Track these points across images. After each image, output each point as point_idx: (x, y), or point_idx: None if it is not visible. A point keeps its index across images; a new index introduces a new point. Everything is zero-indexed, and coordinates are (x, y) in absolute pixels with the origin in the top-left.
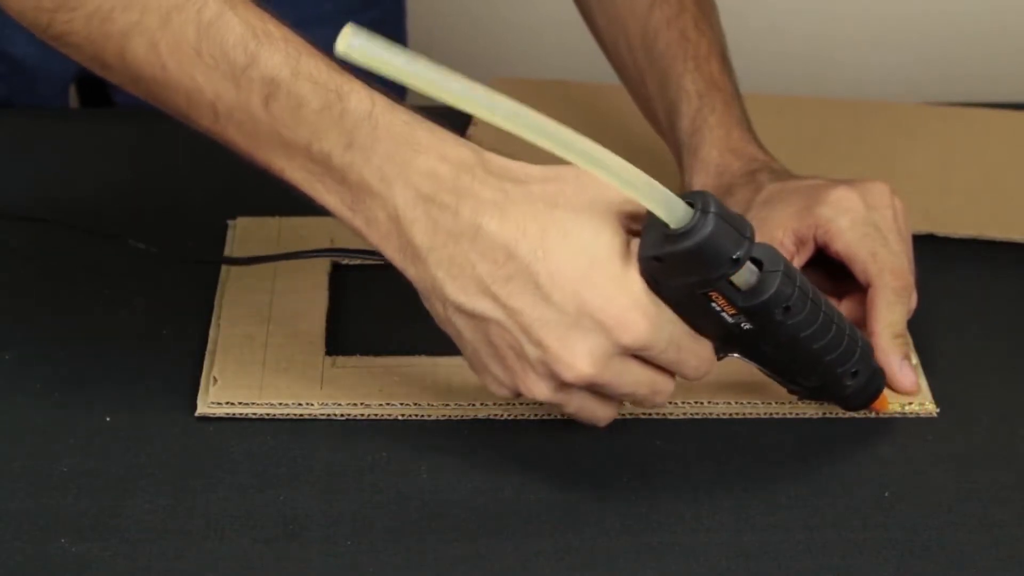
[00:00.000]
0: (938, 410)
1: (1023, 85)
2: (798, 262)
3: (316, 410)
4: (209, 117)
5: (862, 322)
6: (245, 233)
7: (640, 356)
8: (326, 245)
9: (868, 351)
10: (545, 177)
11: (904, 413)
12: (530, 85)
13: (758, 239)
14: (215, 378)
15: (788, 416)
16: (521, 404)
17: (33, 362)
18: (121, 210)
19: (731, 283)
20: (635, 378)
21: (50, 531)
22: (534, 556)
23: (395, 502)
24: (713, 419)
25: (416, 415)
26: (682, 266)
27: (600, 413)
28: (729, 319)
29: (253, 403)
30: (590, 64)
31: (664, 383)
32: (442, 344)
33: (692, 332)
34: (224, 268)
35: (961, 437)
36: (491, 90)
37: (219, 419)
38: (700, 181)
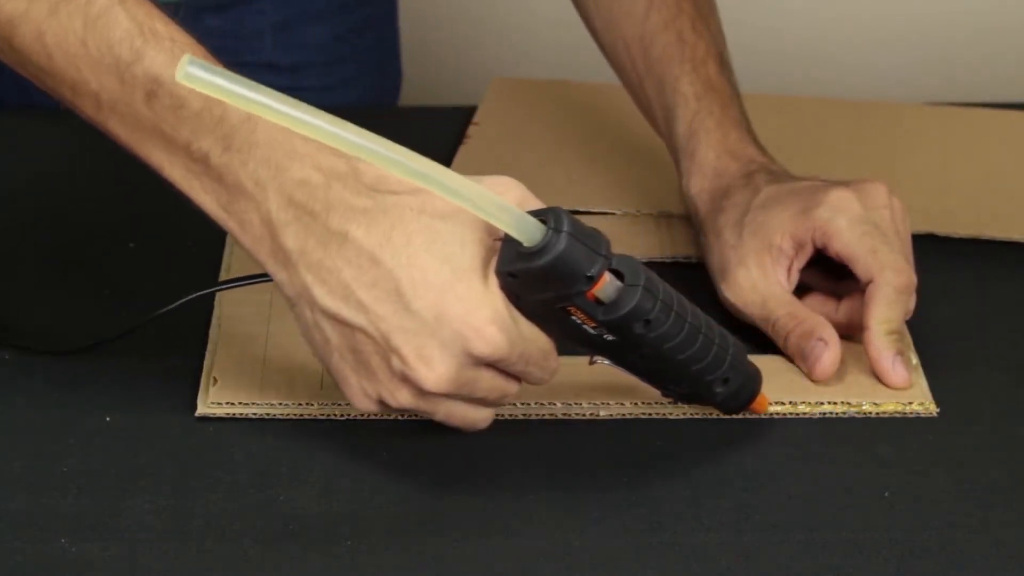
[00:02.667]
0: (938, 410)
1: (1023, 85)
2: (796, 265)
3: (316, 410)
4: (92, 107)
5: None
6: None
7: (492, 364)
8: None
9: (740, 358)
10: (416, 188)
11: (904, 413)
12: (530, 85)
13: (756, 242)
14: (215, 378)
15: (788, 416)
16: (522, 404)
17: (33, 362)
18: (121, 210)
19: (591, 297)
20: (487, 385)
21: (50, 531)
22: (534, 556)
23: (395, 502)
24: (713, 419)
25: (415, 415)
26: (537, 283)
27: (472, 416)
28: (591, 331)
29: (253, 403)
30: (590, 64)
31: (512, 387)
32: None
33: (542, 347)
34: (224, 268)
35: (961, 437)
36: (336, 118)
37: (219, 419)
38: (697, 184)
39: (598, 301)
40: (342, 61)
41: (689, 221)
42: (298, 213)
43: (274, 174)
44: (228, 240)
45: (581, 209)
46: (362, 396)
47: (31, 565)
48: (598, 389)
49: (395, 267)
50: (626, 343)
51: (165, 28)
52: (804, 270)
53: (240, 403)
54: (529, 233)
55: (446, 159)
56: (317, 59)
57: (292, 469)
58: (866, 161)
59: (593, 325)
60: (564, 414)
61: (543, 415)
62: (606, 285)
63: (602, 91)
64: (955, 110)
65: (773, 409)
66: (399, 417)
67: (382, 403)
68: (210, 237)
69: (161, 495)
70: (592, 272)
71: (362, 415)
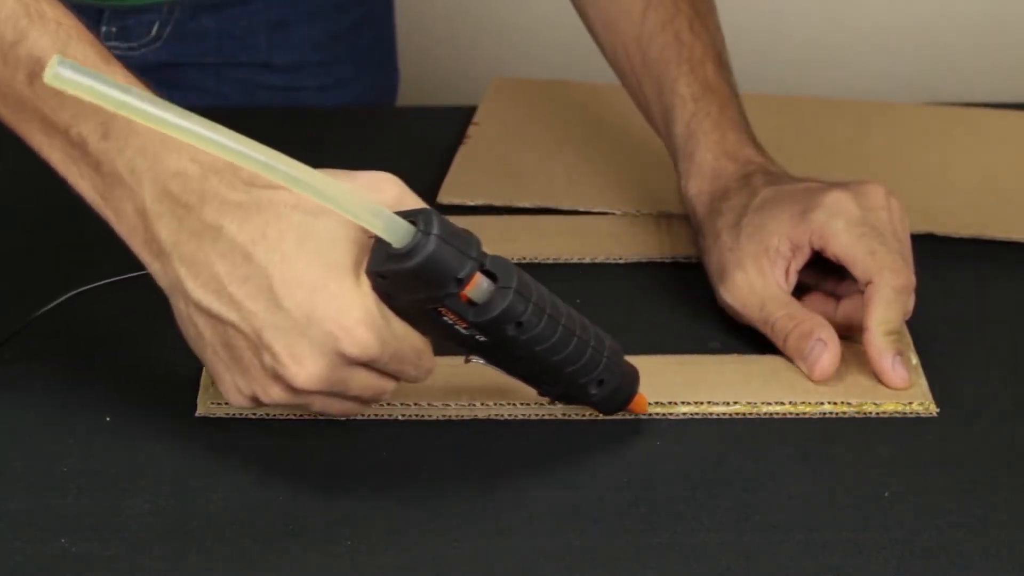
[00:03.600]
0: (938, 410)
1: (1023, 85)
2: (794, 267)
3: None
4: None
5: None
6: None
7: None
8: None
9: (616, 360)
10: None
11: (904, 413)
12: (530, 85)
13: (753, 244)
14: None
15: (788, 416)
16: (522, 404)
17: (33, 362)
18: None
19: (462, 299)
20: (360, 383)
21: (50, 531)
22: (534, 556)
23: (395, 502)
24: (713, 419)
25: (416, 415)
26: (407, 284)
27: (350, 409)
28: (463, 332)
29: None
30: (590, 64)
31: (386, 385)
32: (442, 344)
33: (416, 347)
34: None
35: (961, 437)
36: (205, 120)
37: (219, 419)
38: (696, 186)
39: (470, 302)
40: (339, 61)
41: (689, 221)
42: (172, 205)
43: (151, 164)
44: None
45: (581, 209)
46: (235, 392)
47: (31, 565)
48: None
49: (268, 264)
50: (499, 344)
51: (52, 10)
52: (803, 270)
53: None
54: (398, 235)
55: (446, 159)
56: (313, 58)
57: (292, 469)
58: (866, 161)
59: (465, 326)
60: (564, 414)
61: (543, 415)
62: (477, 287)
63: (602, 91)
64: (955, 110)
65: (773, 409)
66: (399, 417)
67: (255, 399)
68: None
69: (161, 495)
70: (462, 274)
71: (362, 415)
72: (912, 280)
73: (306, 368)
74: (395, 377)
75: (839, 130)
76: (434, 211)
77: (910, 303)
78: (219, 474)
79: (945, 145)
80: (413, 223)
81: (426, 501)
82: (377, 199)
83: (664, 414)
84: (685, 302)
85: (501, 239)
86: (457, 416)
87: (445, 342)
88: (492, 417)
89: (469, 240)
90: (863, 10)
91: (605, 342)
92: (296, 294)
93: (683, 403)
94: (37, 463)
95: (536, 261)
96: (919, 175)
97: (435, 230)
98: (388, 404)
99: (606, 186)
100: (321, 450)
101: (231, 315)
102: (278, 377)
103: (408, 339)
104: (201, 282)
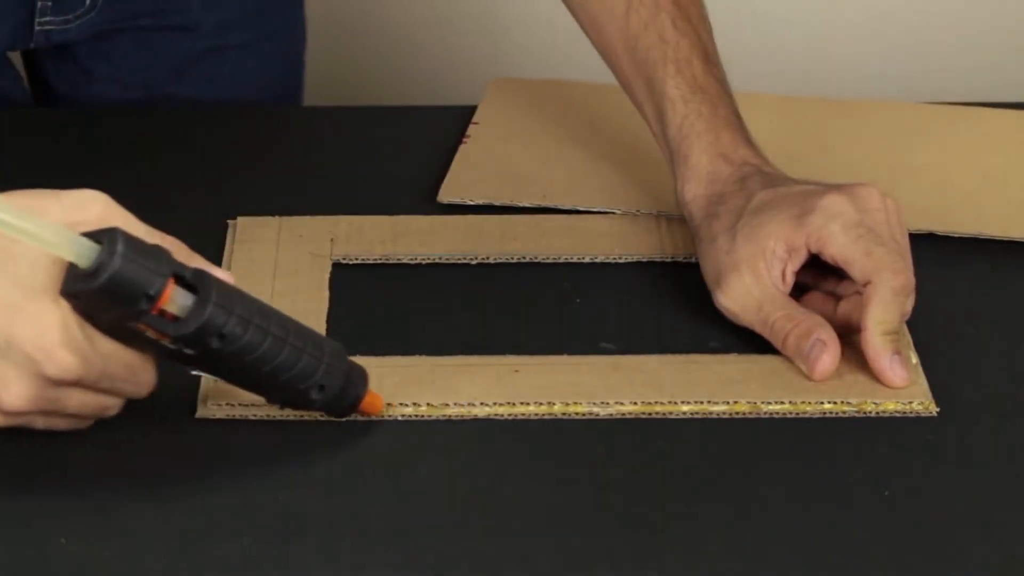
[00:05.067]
0: (938, 410)
1: (1023, 85)
2: (791, 268)
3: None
4: None
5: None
6: (245, 233)
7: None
8: (326, 244)
9: (336, 364)
10: None
11: (904, 412)
12: (530, 85)
13: (749, 247)
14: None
15: (788, 416)
16: (522, 404)
17: None
18: None
19: (159, 314)
20: (77, 402)
21: (50, 531)
22: (534, 556)
23: (395, 502)
24: (713, 419)
25: (416, 415)
26: (99, 303)
27: (66, 424)
28: (170, 346)
29: (253, 404)
30: (590, 64)
31: (106, 402)
32: (442, 344)
33: (128, 363)
34: (224, 268)
35: (961, 437)
36: None
37: (219, 419)
38: (692, 190)
39: (174, 318)
40: (263, 15)
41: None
42: None
43: None
44: (228, 240)
45: (581, 209)
46: None
47: (31, 565)
48: (598, 389)
49: None
50: (207, 357)
51: None
52: (802, 270)
53: (240, 404)
54: (83, 255)
55: (446, 159)
56: (241, 16)
57: (292, 469)
58: (866, 161)
59: (169, 340)
60: (564, 414)
61: (543, 415)
62: (173, 301)
63: (602, 91)
64: (955, 110)
65: (773, 408)
66: (399, 417)
67: None
68: (210, 236)
69: (161, 495)
70: (152, 291)
71: (365, 416)
72: (911, 280)
73: (12, 391)
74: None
75: (838, 130)
76: (120, 230)
77: (909, 303)
78: (219, 474)
79: (945, 145)
80: (100, 243)
81: (426, 501)
82: (80, 218)
83: (664, 414)
84: (685, 302)
85: (501, 239)
86: (457, 416)
87: (159, 357)
88: (492, 417)
89: (159, 256)
90: (863, 10)
91: (324, 347)
92: None
93: (683, 403)
94: (37, 463)
95: (536, 261)
96: (919, 174)
97: (119, 248)
98: (388, 404)
99: (606, 186)
100: (321, 450)
101: None
102: None
103: (116, 357)
104: None
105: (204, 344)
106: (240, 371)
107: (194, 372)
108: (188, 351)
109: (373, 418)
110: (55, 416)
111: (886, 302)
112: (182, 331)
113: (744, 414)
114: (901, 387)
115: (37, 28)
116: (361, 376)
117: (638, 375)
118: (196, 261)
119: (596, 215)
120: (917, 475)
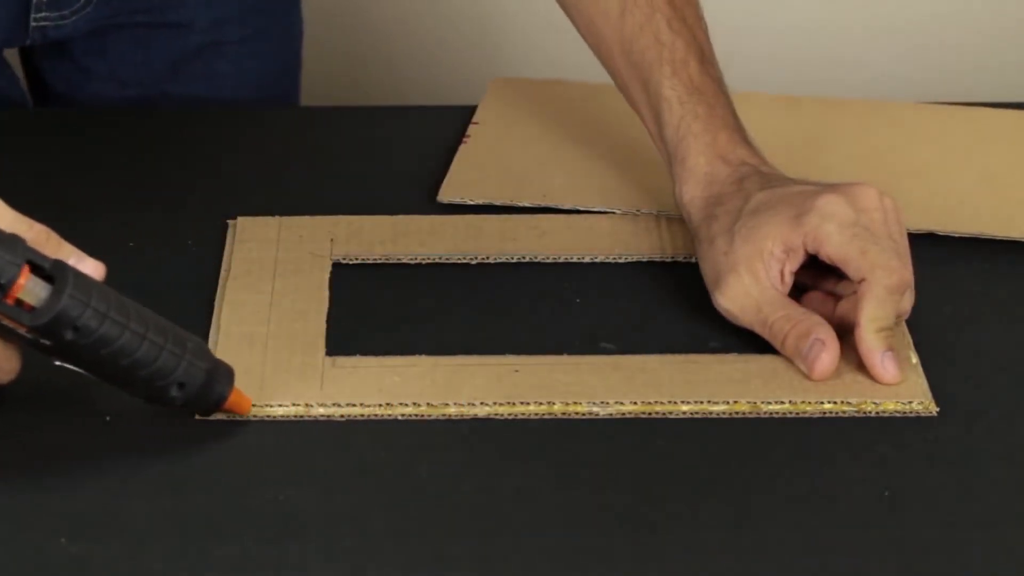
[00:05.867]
0: (938, 410)
1: (1023, 85)
2: (788, 269)
3: (316, 410)
4: None
5: None
6: (245, 233)
7: None
8: (326, 245)
9: (197, 363)
10: None
11: (904, 412)
12: (530, 85)
13: (747, 248)
14: None
15: (788, 416)
16: (522, 403)
17: (33, 362)
18: (121, 210)
19: (19, 303)
20: None
21: (50, 531)
22: (534, 556)
23: (395, 502)
24: (713, 419)
25: (416, 415)
26: None
27: None
28: (27, 335)
29: (253, 404)
30: (590, 64)
31: None
32: (442, 344)
33: None
34: (224, 268)
35: (961, 437)
36: None
37: (219, 419)
38: (690, 191)
39: (31, 308)
40: (259, 12)
41: None
42: None
43: None
44: (228, 240)
45: (581, 208)
46: None
47: (31, 565)
48: (598, 388)
49: None
50: (64, 349)
51: None
52: (802, 270)
53: None
54: None
55: (446, 159)
56: (237, 13)
57: (292, 469)
58: (866, 160)
59: (25, 330)
60: (564, 414)
61: (543, 415)
62: (28, 291)
63: (602, 91)
64: (955, 110)
65: (773, 408)
66: (399, 417)
67: None
68: (210, 237)
69: (161, 495)
70: (4, 279)
71: (363, 416)
72: (907, 278)
73: None
74: None
75: (839, 129)
76: None
77: (905, 302)
78: (219, 474)
79: (945, 145)
80: None
81: (426, 501)
82: None
83: (664, 414)
84: (685, 302)
85: (501, 239)
86: (457, 416)
87: (25, 348)
88: (492, 417)
89: (14, 244)
90: (862, 10)
91: (186, 344)
92: None
93: (683, 403)
94: (37, 463)
95: (536, 261)
96: (919, 174)
97: None
98: (388, 404)
99: (606, 186)
100: (321, 450)
101: None
102: None
103: None
104: None
105: (59, 335)
106: (98, 365)
107: (58, 363)
108: (44, 341)
109: (373, 418)
110: None
111: (880, 299)
112: (36, 321)
113: (744, 414)
114: (893, 384)
115: (33, 24)
116: (227, 375)
117: (638, 375)
118: (64, 251)
119: (596, 215)
120: (917, 475)
